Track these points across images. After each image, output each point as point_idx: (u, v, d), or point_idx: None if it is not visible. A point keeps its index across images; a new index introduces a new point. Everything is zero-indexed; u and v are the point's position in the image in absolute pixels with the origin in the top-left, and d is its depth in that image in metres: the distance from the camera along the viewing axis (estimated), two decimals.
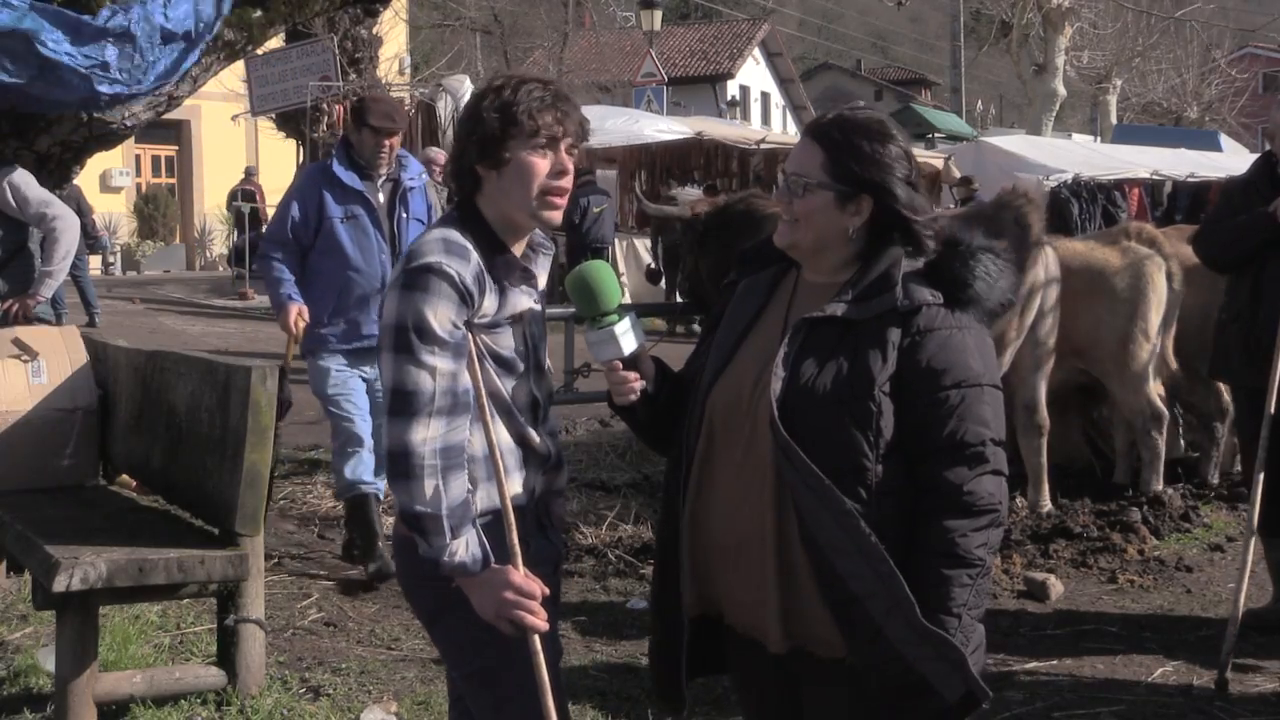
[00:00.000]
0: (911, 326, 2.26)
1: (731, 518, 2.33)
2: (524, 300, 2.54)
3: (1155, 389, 6.85)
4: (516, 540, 2.43)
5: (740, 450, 2.33)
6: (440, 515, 2.35)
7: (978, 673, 2.35)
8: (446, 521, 2.36)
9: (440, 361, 2.37)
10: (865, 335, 2.26)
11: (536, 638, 2.41)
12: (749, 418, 2.32)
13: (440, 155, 12.63)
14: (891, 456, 2.24)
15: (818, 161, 2.33)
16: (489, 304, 2.47)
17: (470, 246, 2.45)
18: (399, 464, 2.36)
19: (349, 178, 5.45)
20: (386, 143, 5.43)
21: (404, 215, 5.51)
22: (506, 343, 2.52)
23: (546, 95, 2.48)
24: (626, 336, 2.43)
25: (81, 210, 14.02)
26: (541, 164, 2.48)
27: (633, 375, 2.45)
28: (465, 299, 2.40)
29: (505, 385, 2.53)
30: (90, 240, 14.29)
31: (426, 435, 2.35)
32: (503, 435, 2.52)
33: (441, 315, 2.37)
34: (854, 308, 2.28)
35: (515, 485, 2.53)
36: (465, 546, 2.38)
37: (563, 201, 2.52)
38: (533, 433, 2.57)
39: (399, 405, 2.36)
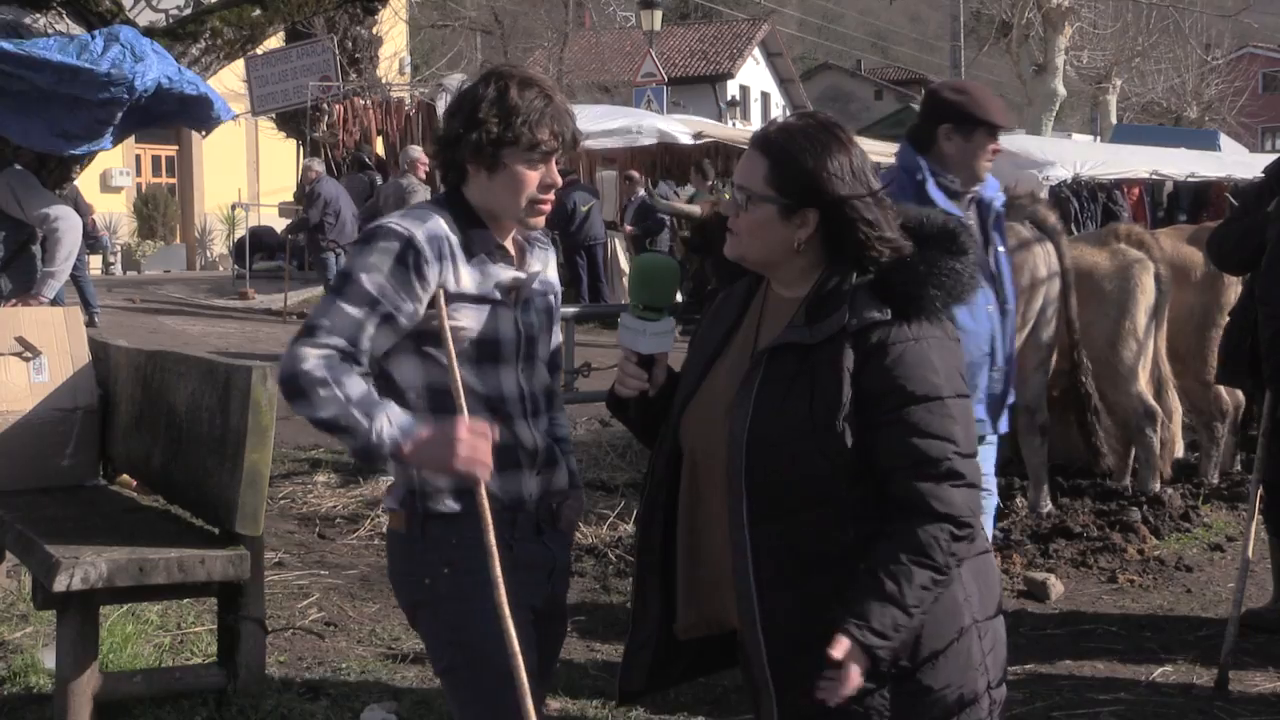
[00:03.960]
0: (865, 344, 2.20)
1: (724, 549, 2.30)
2: (506, 275, 2.54)
3: (1149, 388, 6.87)
4: (493, 539, 2.41)
5: (723, 474, 2.29)
6: (348, 410, 2.36)
7: (1001, 669, 2.33)
8: (355, 411, 2.37)
9: (352, 308, 2.40)
10: (822, 360, 2.21)
11: (516, 645, 2.39)
12: (724, 450, 2.28)
13: (424, 154, 12.66)
14: (862, 481, 2.20)
15: (760, 174, 2.28)
16: (466, 277, 2.48)
17: (436, 214, 2.48)
18: (290, 386, 2.39)
19: (944, 200, 3.84)
20: (991, 148, 3.89)
21: (999, 247, 3.99)
22: (490, 326, 2.51)
23: (548, 108, 2.49)
24: (656, 338, 2.42)
25: (80, 210, 14.00)
26: (533, 177, 2.51)
27: (641, 374, 2.44)
28: (408, 254, 2.41)
29: (485, 376, 2.51)
30: (90, 240, 14.29)
31: (312, 354, 2.37)
32: None
33: (373, 265, 2.41)
34: (805, 330, 2.23)
35: (499, 483, 2.51)
36: (387, 423, 2.38)
37: (548, 209, 2.56)
38: (521, 427, 2.55)
39: (303, 327, 2.42)
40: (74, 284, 13.52)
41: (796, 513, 2.22)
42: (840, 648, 2.14)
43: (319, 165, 15.20)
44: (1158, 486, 6.76)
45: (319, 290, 15.93)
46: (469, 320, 2.49)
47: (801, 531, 2.22)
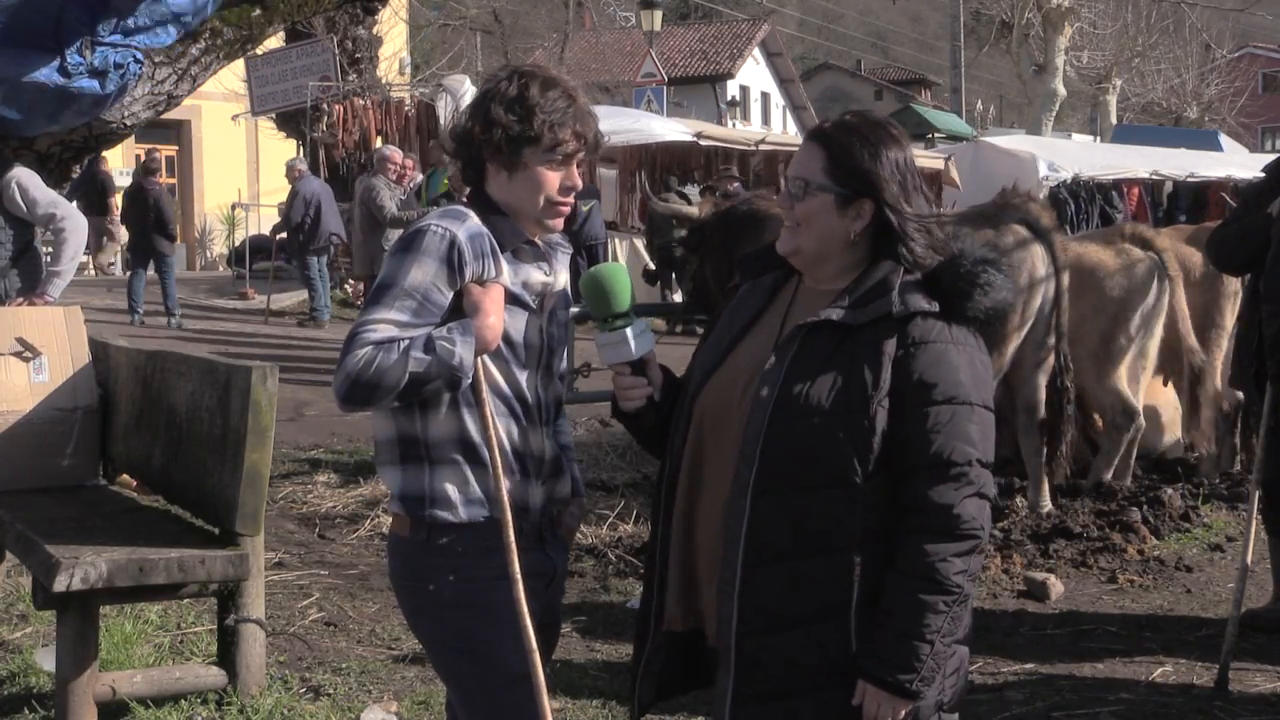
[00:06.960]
0: (906, 337, 2.22)
1: (719, 527, 2.28)
2: (537, 277, 2.54)
3: (1136, 387, 6.90)
4: (512, 538, 2.42)
5: (729, 457, 2.27)
6: (408, 358, 2.35)
7: (957, 694, 2.31)
8: (417, 355, 2.36)
9: (396, 314, 2.39)
10: (861, 345, 2.22)
11: (534, 640, 2.41)
12: (738, 424, 2.27)
13: (396, 154, 12.75)
14: (879, 472, 2.21)
15: (819, 164, 2.30)
16: (506, 273, 2.48)
17: (469, 213, 2.48)
18: (351, 392, 2.37)
19: None
20: None
21: None
22: (517, 327, 2.50)
23: (571, 109, 2.47)
24: (637, 340, 2.41)
25: (162, 209, 14.11)
26: (553, 178, 2.49)
27: (640, 380, 2.43)
28: (453, 254, 2.41)
29: (511, 377, 2.51)
30: (168, 237, 14.45)
31: (359, 353, 2.36)
32: (498, 432, 2.50)
33: (415, 272, 2.40)
34: (850, 313, 2.24)
35: (507, 489, 2.50)
36: (456, 342, 2.38)
37: (566, 211, 2.54)
38: (533, 433, 2.55)
39: (348, 338, 2.40)
40: (160, 285, 13.70)
41: (804, 490, 2.21)
42: (859, 692, 2.20)
43: (302, 164, 15.18)
44: (1108, 478, 6.82)
45: (304, 292, 15.84)
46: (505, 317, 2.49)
47: (805, 510, 2.21)
